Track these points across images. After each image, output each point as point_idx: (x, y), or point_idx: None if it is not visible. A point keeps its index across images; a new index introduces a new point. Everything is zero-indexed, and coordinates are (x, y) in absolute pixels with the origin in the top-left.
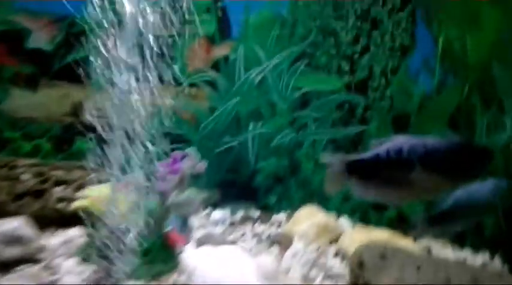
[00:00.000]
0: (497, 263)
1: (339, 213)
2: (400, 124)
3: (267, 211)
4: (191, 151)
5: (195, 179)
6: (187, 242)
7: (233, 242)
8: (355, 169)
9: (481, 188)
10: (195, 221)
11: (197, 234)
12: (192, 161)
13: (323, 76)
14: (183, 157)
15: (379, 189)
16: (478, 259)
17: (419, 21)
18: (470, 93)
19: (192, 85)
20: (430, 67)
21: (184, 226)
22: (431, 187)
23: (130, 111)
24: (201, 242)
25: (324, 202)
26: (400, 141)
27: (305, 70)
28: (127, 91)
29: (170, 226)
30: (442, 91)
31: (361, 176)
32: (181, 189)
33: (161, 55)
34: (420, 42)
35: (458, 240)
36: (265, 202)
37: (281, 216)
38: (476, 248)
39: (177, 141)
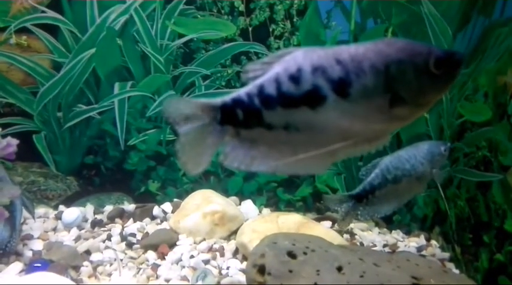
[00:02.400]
0: (434, 245)
1: (242, 196)
2: None
3: (147, 202)
4: None
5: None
6: None
7: (88, 252)
8: (229, 119)
9: (414, 154)
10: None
11: (35, 245)
12: None
13: (211, 19)
14: None
15: (270, 146)
16: (411, 243)
17: None
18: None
19: (20, 31)
20: (345, 8)
21: (12, 237)
22: (361, 130)
23: None
24: (38, 256)
25: (222, 184)
26: (297, 59)
27: (186, 11)
28: None
29: None
30: (360, 38)
31: (239, 128)
32: None
33: None
34: None
35: (386, 220)
36: (143, 191)
37: (166, 207)
38: (407, 227)
39: (8, 113)
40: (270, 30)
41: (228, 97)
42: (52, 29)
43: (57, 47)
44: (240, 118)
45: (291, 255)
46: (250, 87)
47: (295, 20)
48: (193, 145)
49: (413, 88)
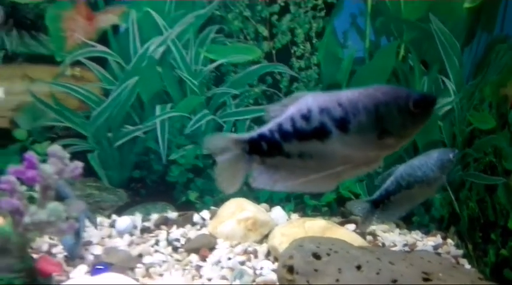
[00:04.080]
0: (449, 243)
1: (272, 203)
2: None
3: (187, 210)
4: (55, 148)
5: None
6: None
7: (140, 255)
8: (256, 149)
9: (425, 162)
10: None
11: (95, 250)
12: (57, 162)
13: (238, 44)
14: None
15: (289, 170)
16: (428, 242)
17: None
18: (407, 54)
19: (74, 64)
20: (360, 27)
21: (76, 244)
22: (359, 156)
23: None
24: (99, 260)
25: (253, 192)
26: (307, 102)
27: (216, 39)
28: None
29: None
30: (375, 54)
31: (264, 157)
32: (44, 202)
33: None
34: None
35: (406, 221)
36: (184, 200)
37: (204, 214)
38: (426, 228)
39: (66, 136)
40: (292, 51)
41: (254, 132)
42: (101, 61)
43: (106, 76)
44: (264, 149)
45: (316, 256)
46: (272, 125)
47: (314, 41)
48: (227, 170)
49: (398, 123)
